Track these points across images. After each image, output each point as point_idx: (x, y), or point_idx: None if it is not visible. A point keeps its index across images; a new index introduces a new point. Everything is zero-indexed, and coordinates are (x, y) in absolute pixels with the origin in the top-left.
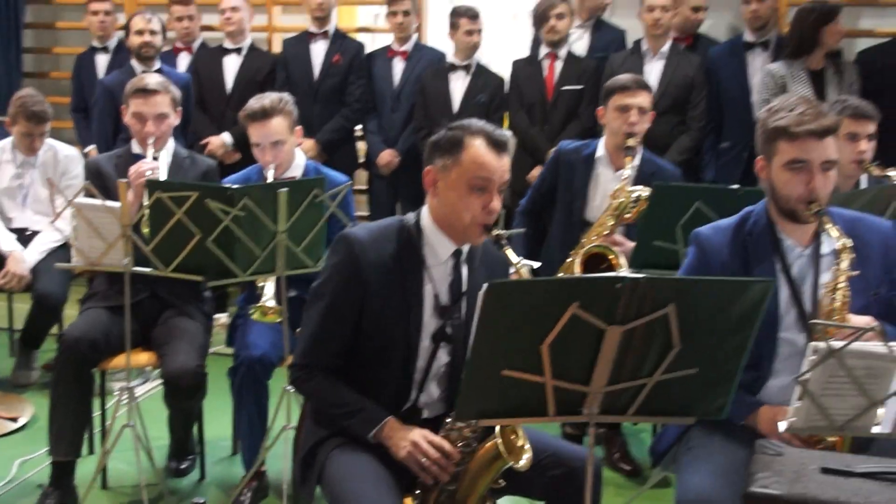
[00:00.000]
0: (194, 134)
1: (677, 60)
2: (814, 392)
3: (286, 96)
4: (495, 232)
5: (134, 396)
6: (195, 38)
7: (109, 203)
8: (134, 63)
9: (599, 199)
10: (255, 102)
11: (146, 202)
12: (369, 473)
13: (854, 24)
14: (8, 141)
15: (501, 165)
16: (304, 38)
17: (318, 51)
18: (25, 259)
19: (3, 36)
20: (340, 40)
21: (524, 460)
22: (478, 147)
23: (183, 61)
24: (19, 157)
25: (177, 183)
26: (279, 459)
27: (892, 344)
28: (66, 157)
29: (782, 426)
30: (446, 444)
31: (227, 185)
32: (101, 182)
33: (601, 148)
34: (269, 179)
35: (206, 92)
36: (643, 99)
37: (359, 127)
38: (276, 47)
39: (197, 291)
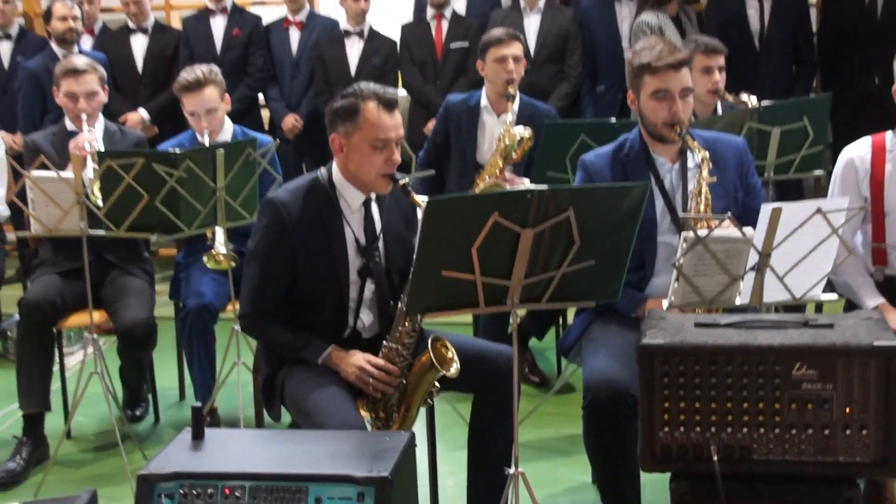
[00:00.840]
0: (111, 112)
1: (552, 14)
2: (687, 274)
3: (215, 67)
4: (401, 182)
5: (99, 347)
6: (96, 20)
7: (63, 174)
8: (55, 47)
9: (488, 143)
10: (188, 74)
11: (90, 172)
12: (325, 384)
13: None
14: None
15: (395, 123)
16: (204, 14)
17: (218, 26)
18: None
19: None
20: (238, 15)
21: (454, 369)
22: (372, 111)
23: (86, 44)
24: None
25: (124, 151)
26: (229, 397)
27: (745, 229)
28: None
29: (665, 304)
30: (387, 364)
31: (170, 150)
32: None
33: (484, 98)
34: (206, 144)
35: (117, 71)
36: (516, 49)
37: (262, 95)
38: (175, 24)
39: (138, 253)
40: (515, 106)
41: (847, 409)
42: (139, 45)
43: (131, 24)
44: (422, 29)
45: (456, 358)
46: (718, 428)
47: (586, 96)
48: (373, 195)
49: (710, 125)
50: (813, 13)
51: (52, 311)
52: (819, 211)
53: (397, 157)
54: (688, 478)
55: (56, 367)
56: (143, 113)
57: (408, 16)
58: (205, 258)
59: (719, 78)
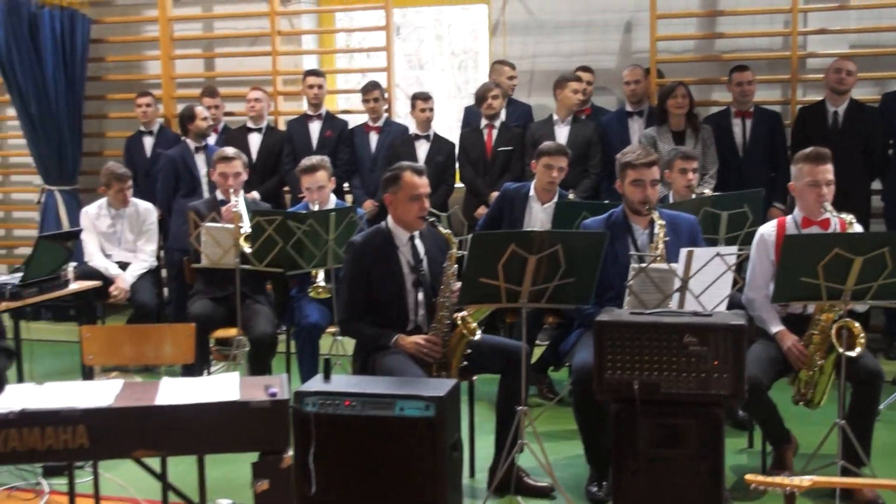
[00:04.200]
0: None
1: (579, 126)
2: (635, 291)
3: (326, 158)
4: (429, 219)
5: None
6: (220, 121)
7: (226, 225)
8: (189, 141)
9: (532, 223)
10: (306, 161)
11: (245, 225)
12: (399, 357)
13: (708, 97)
14: (103, 201)
15: (424, 183)
16: (304, 119)
17: (315, 128)
18: (126, 280)
19: (69, 125)
20: (331, 120)
21: (477, 335)
22: (408, 176)
23: (210, 139)
24: (112, 211)
25: (268, 210)
26: None
27: (672, 264)
28: (144, 209)
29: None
30: (433, 338)
31: (300, 212)
32: (200, 217)
33: (532, 189)
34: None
35: None
36: (563, 162)
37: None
38: (280, 126)
39: (263, 288)
40: (555, 198)
41: (715, 362)
42: (255, 141)
43: (249, 125)
44: (476, 135)
45: (478, 329)
46: (640, 372)
47: (605, 190)
48: (415, 233)
49: (678, 208)
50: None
51: (208, 323)
52: (718, 254)
53: (427, 205)
54: (621, 402)
55: None
56: (255, 195)
57: (455, 121)
58: (310, 290)
59: (692, 177)
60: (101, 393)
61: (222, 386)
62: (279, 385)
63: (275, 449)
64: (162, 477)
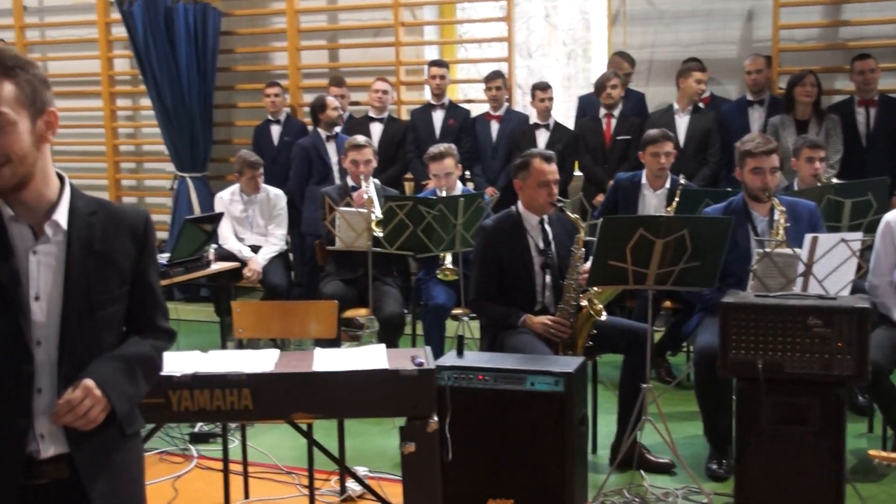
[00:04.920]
0: None
1: (699, 116)
2: (759, 275)
3: (453, 145)
4: (559, 204)
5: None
6: (345, 111)
7: (360, 210)
8: (320, 130)
9: (646, 209)
10: (434, 149)
11: (376, 209)
12: (526, 336)
13: (831, 85)
14: (235, 187)
15: (552, 169)
16: (427, 108)
17: (438, 117)
18: (259, 262)
19: (200, 115)
20: (453, 109)
21: (603, 317)
22: (537, 163)
23: (337, 128)
24: (245, 197)
25: (400, 196)
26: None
27: (796, 250)
28: (275, 195)
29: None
30: (561, 319)
31: (430, 197)
32: (334, 203)
33: (644, 177)
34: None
35: None
36: (668, 147)
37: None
38: (402, 115)
39: (391, 270)
40: (667, 184)
41: (839, 343)
42: (376, 130)
43: (372, 114)
44: (595, 124)
45: (603, 311)
46: (764, 351)
47: (724, 178)
48: (544, 217)
49: (801, 195)
50: None
51: (340, 303)
52: (843, 240)
53: (555, 191)
54: (745, 380)
55: None
56: (375, 181)
57: (570, 109)
58: (438, 272)
59: (819, 166)
60: (262, 360)
61: (371, 356)
62: (424, 356)
63: (421, 414)
64: (308, 436)
